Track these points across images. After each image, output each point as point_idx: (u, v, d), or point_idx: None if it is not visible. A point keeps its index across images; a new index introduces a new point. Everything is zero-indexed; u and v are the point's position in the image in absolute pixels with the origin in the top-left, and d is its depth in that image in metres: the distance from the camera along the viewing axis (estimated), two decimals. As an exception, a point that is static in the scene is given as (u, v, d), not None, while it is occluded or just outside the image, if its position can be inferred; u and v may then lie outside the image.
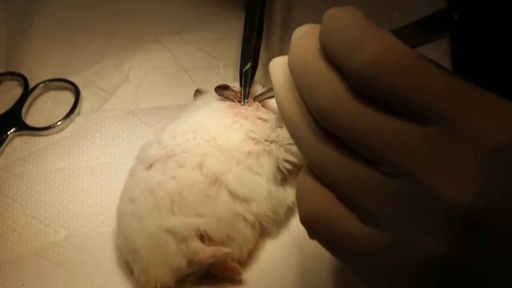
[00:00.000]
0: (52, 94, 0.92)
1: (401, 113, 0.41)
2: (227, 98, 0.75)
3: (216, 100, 0.75)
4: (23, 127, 0.86)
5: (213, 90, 0.75)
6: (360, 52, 0.41)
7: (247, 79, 0.76)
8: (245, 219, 0.68)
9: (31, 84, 0.92)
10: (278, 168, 0.72)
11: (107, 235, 0.75)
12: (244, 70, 0.76)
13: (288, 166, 0.72)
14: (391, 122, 0.41)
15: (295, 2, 0.97)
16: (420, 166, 0.40)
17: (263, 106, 0.74)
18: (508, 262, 0.40)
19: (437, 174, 0.39)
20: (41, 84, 0.91)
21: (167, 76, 0.93)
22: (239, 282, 0.69)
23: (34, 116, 0.89)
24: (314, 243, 0.48)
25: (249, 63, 0.77)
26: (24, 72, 0.93)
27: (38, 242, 0.75)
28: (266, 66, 0.82)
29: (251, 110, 0.73)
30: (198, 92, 0.81)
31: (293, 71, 0.48)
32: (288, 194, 0.72)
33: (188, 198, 0.67)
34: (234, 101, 0.75)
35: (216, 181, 0.68)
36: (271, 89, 0.65)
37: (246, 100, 0.74)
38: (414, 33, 0.41)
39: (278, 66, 0.52)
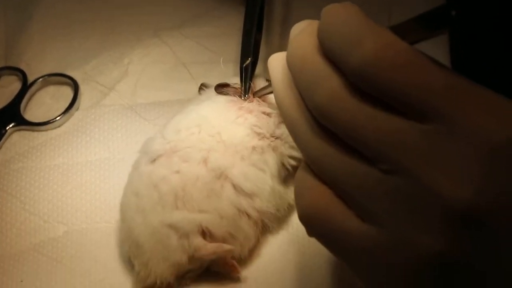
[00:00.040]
0: (51, 89, 0.92)
1: (400, 110, 0.40)
2: (227, 95, 0.74)
3: (218, 95, 0.75)
4: (22, 122, 0.86)
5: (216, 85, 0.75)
6: (358, 49, 0.41)
7: (247, 74, 0.75)
8: (248, 216, 0.68)
9: (30, 78, 0.91)
10: (283, 165, 0.72)
11: (106, 231, 0.75)
12: (244, 65, 0.76)
13: (292, 162, 0.72)
14: (389, 119, 0.41)
15: (295, -3, 0.97)
16: (418, 163, 0.40)
17: (263, 101, 0.74)
18: (508, 260, 0.39)
19: (435, 172, 0.39)
20: (40, 79, 0.91)
21: (166, 71, 0.93)
22: (237, 279, 0.69)
23: (33, 111, 0.89)
24: (313, 239, 0.48)
25: (249, 58, 0.77)
26: (22, 66, 0.93)
27: (37, 238, 0.75)
28: (266, 61, 0.82)
29: (255, 104, 0.73)
30: (203, 86, 0.81)
31: (291, 67, 0.48)
32: (290, 192, 0.72)
33: (192, 193, 0.66)
34: (235, 97, 0.74)
35: (220, 175, 0.68)
36: (270, 85, 0.65)
37: (246, 95, 0.74)
38: (412, 30, 0.41)
39: (277, 62, 0.52)
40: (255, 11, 0.80)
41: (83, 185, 0.80)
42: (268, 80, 0.77)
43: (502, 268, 0.40)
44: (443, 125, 0.39)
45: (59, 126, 0.86)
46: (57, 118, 0.86)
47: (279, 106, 0.50)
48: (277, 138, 0.71)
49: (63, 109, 0.87)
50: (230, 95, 0.74)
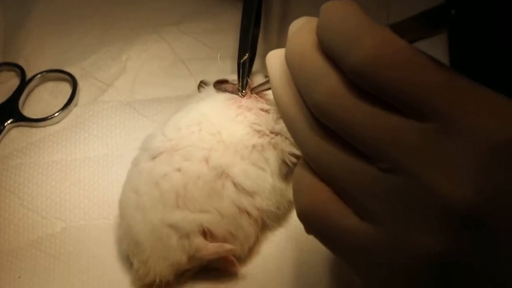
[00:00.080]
0: (50, 85, 0.92)
1: (399, 109, 0.40)
2: (226, 91, 0.74)
3: (218, 91, 0.75)
4: (20, 118, 0.86)
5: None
6: (357, 47, 0.40)
7: (244, 70, 0.75)
8: (248, 214, 0.68)
9: (28, 74, 0.91)
10: (284, 161, 0.71)
11: (104, 227, 0.75)
12: (241, 60, 0.76)
13: (293, 159, 0.71)
14: (388, 117, 0.41)
15: (293, -7, 0.97)
16: (417, 162, 0.40)
17: (261, 97, 0.74)
18: (508, 260, 0.40)
19: (434, 171, 0.39)
20: (39, 75, 0.91)
21: (165, 67, 0.93)
22: (235, 274, 0.69)
23: (31, 107, 0.89)
24: (311, 236, 0.48)
25: (247, 54, 0.76)
26: (21, 62, 0.93)
27: (35, 234, 0.75)
28: (264, 57, 0.82)
29: (254, 101, 0.73)
30: (202, 84, 0.81)
31: (290, 64, 0.47)
32: (290, 188, 0.72)
33: (193, 192, 0.66)
34: (234, 93, 0.74)
35: (222, 174, 0.67)
36: (268, 81, 0.65)
37: (243, 91, 0.74)
38: (411, 28, 0.41)
39: (275, 59, 0.52)
40: (252, 7, 0.80)
41: (82, 181, 0.79)
42: (267, 76, 0.77)
43: (502, 268, 0.40)
44: (442, 124, 0.39)
45: (57, 122, 0.86)
46: (56, 114, 0.86)
47: (277, 103, 0.50)
48: (277, 134, 0.71)
49: (61, 105, 0.87)
50: (229, 91, 0.74)
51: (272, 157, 0.70)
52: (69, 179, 0.80)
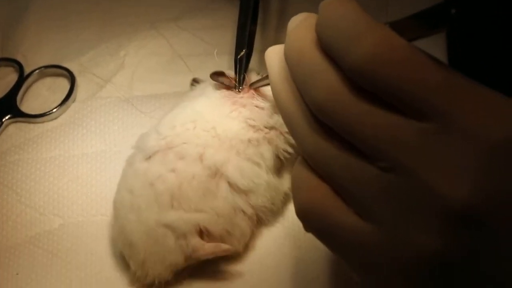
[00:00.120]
0: (48, 81, 0.92)
1: (398, 108, 0.40)
2: (222, 84, 0.74)
3: (212, 89, 0.75)
4: (18, 114, 0.86)
5: (209, 79, 0.75)
6: (357, 46, 0.40)
7: (241, 66, 0.75)
8: (244, 212, 0.68)
9: (26, 70, 0.91)
10: (278, 156, 0.71)
11: (102, 224, 0.75)
12: (238, 57, 0.76)
13: (287, 154, 0.72)
14: (387, 116, 0.41)
15: (291, -11, 0.97)
16: (416, 161, 0.40)
17: (258, 93, 0.73)
18: (508, 259, 0.39)
19: (433, 170, 0.39)
20: (37, 71, 0.91)
21: (163, 63, 0.93)
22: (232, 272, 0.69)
23: (29, 102, 0.89)
24: (309, 233, 0.48)
25: (244, 50, 0.76)
26: (19, 58, 0.93)
27: (33, 231, 0.75)
28: (262, 53, 0.82)
29: (248, 98, 0.73)
30: (194, 82, 0.81)
31: (289, 61, 0.47)
32: (285, 181, 0.73)
33: (187, 192, 0.66)
34: (230, 88, 0.74)
35: (216, 173, 0.67)
36: (267, 77, 0.65)
37: (240, 87, 0.74)
38: (411, 27, 0.41)
39: (274, 55, 0.51)
40: (249, 4, 0.80)
41: (79, 177, 0.79)
42: (259, 73, 0.77)
43: (502, 268, 0.40)
44: (441, 123, 0.39)
45: (55, 118, 0.86)
46: (54, 110, 0.86)
47: (276, 99, 0.50)
48: (271, 128, 0.71)
49: (59, 101, 0.87)
50: (225, 84, 0.74)
51: (267, 152, 0.70)
52: (67, 175, 0.80)
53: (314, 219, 0.47)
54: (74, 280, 0.70)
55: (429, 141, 0.39)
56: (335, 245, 0.47)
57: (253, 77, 0.76)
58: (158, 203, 0.66)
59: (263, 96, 0.73)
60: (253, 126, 0.70)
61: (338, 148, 0.44)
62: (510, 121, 0.38)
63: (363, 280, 0.47)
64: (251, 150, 0.69)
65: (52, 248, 0.73)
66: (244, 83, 0.74)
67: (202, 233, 0.66)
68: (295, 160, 0.69)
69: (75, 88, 0.89)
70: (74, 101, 0.88)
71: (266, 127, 0.71)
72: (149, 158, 0.69)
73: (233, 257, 0.69)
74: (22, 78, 0.90)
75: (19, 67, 0.91)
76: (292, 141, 0.70)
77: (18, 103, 0.88)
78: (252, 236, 0.72)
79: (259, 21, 0.81)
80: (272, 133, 0.71)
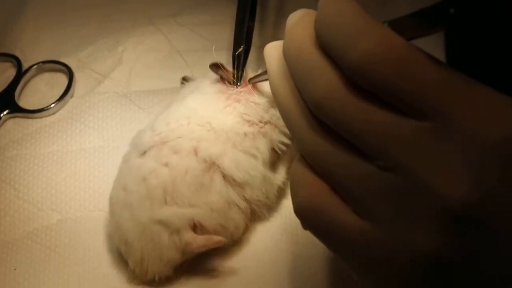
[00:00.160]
0: (46, 76, 0.92)
1: (396, 107, 0.40)
2: (221, 76, 0.74)
3: (206, 84, 0.75)
4: (17, 109, 0.86)
5: (202, 76, 0.76)
6: (355, 45, 0.40)
7: (239, 62, 0.75)
8: (238, 206, 0.68)
9: (25, 65, 0.91)
10: (273, 150, 0.72)
11: (99, 219, 0.75)
12: (236, 53, 0.76)
13: (283, 147, 0.72)
14: (386, 115, 0.41)
15: (289, -15, 0.97)
16: (415, 161, 0.39)
17: (255, 89, 0.73)
18: (507, 259, 0.40)
19: (432, 170, 0.39)
20: (35, 66, 0.91)
21: (161, 59, 0.93)
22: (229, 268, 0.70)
23: (27, 98, 0.89)
24: (306, 229, 0.48)
25: (242, 46, 0.76)
26: (17, 53, 0.93)
27: (31, 226, 0.75)
28: (260, 49, 0.82)
29: (243, 93, 0.73)
30: (184, 80, 0.81)
31: (288, 58, 0.47)
32: (279, 175, 0.73)
33: (181, 188, 0.66)
34: (226, 83, 0.74)
35: (210, 166, 0.67)
36: (265, 72, 0.65)
37: (238, 83, 0.74)
38: (409, 26, 0.41)
39: (273, 51, 0.51)
40: (247, 0, 0.79)
41: (77, 173, 0.80)
42: (257, 70, 0.77)
43: (502, 268, 0.40)
44: (439, 122, 0.39)
45: (53, 114, 0.86)
46: (52, 106, 0.86)
47: (274, 95, 0.50)
48: (266, 123, 0.71)
49: (57, 96, 0.87)
50: (223, 77, 0.74)
51: (262, 145, 0.70)
52: (65, 170, 0.80)
53: (312, 217, 0.46)
54: (71, 275, 0.71)
55: (428, 140, 0.39)
56: (333, 243, 0.47)
57: (250, 73, 0.76)
58: (151, 199, 0.66)
59: (261, 92, 0.73)
60: (248, 121, 0.70)
61: (336, 145, 0.44)
62: (509, 121, 0.38)
63: (361, 279, 0.47)
64: (248, 143, 0.69)
65: (50, 243, 0.73)
66: (242, 79, 0.74)
67: (196, 228, 0.66)
68: (290, 154, 0.70)
69: (73, 83, 0.89)
70: (72, 96, 0.88)
71: (261, 122, 0.71)
72: (143, 154, 0.69)
73: (231, 252, 0.70)
74: (20, 74, 0.90)
75: (17, 62, 0.91)
76: (287, 132, 0.70)
77: (16, 98, 0.88)
78: (247, 230, 0.72)
79: (257, 17, 0.81)
80: (267, 127, 0.71)
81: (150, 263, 0.66)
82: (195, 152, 0.68)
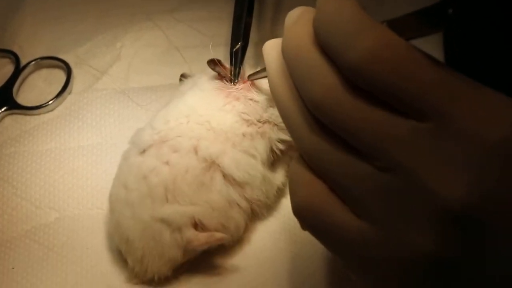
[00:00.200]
0: (44, 72, 0.91)
1: (395, 108, 0.40)
2: (218, 73, 0.74)
3: (205, 81, 0.75)
4: (15, 106, 0.86)
5: (201, 72, 0.76)
6: (354, 45, 0.40)
7: (237, 59, 0.75)
8: (238, 205, 0.68)
9: (23, 61, 0.91)
10: (272, 149, 0.71)
11: (98, 217, 0.75)
12: (234, 49, 0.75)
13: (281, 146, 0.72)
14: (384, 116, 0.40)
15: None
16: (413, 161, 0.39)
17: (254, 86, 0.73)
18: (507, 259, 0.39)
19: (430, 170, 0.39)
20: (33, 62, 0.91)
21: (159, 54, 0.93)
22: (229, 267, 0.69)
23: (25, 94, 0.89)
24: (305, 228, 0.48)
25: (239, 43, 0.76)
26: (15, 49, 0.93)
27: (29, 224, 0.75)
28: (257, 45, 0.82)
29: (242, 91, 0.72)
30: (182, 77, 0.81)
31: (286, 57, 0.47)
32: (278, 175, 0.73)
33: (182, 186, 0.66)
34: (224, 79, 0.74)
35: (211, 165, 0.67)
36: (265, 69, 0.64)
37: (236, 80, 0.73)
38: (408, 26, 0.41)
39: (272, 49, 0.51)
40: (245, -4, 0.79)
41: (75, 170, 0.79)
42: (256, 67, 0.77)
43: (501, 268, 0.40)
44: (438, 123, 0.39)
45: (51, 110, 0.86)
46: (50, 102, 0.86)
47: (273, 93, 0.50)
48: (265, 122, 0.71)
49: (55, 93, 0.87)
50: (221, 74, 0.74)
51: (260, 145, 0.70)
52: (63, 168, 0.80)
53: (310, 216, 0.46)
54: (69, 274, 0.71)
55: (427, 140, 0.39)
56: (331, 243, 0.47)
57: (248, 69, 0.76)
58: (152, 197, 0.66)
59: (259, 89, 0.73)
60: (247, 120, 0.70)
61: (334, 145, 0.44)
62: (508, 121, 0.38)
63: (360, 279, 0.47)
64: (246, 143, 0.69)
65: (48, 242, 0.73)
66: (240, 76, 0.74)
67: (197, 226, 0.66)
68: (290, 154, 0.69)
69: (71, 80, 0.89)
70: (70, 93, 0.88)
71: (259, 121, 0.71)
72: (143, 152, 0.69)
73: (230, 251, 0.70)
74: (18, 70, 0.90)
75: (15, 58, 0.91)
76: (286, 130, 0.70)
77: (14, 94, 0.87)
78: (247, 230, 0.72)
79: (255, 12, 0.81)
80: (266, 126, 0.71)
81: (151, 261, 0.66)
82: (195, 151, 0.68)
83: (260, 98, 0.72)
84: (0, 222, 0.75)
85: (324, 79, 0.43)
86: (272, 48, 0.51)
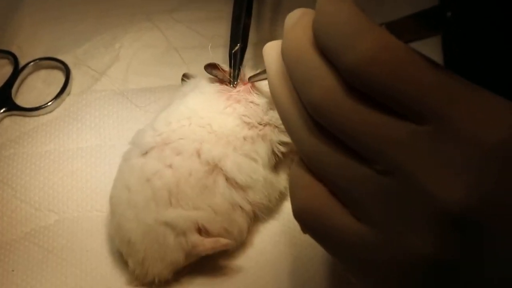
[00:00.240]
0: (43, 73, 0.91)
1: (394, 111, 0.40)
2: (216, 77, 0.74)
3: (206, 84, 0.75)
4: (13, 107, 0.86)
5: (202, 74, 0.75)
6: (353, 48, 0.40)
7: (236, 60, 0.75)
8: (241, 209, 0.68)
9: (22, 62, 0.91)
10: (273, 152, 0.71)
11: (97, 219, 0.75)
12: (233, 51, 0.75)
13: (282, 149, 0.72)
14: (383, 119, 0.40)
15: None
16: (412, 163, 0.39)
17: (254, 88, 0.73)
18: (506, 262, 0.39)
19: (429, 172, 0.39)
20: (32, 63, 0.91)
21: (157, 55, 0.92)
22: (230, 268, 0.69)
23: (24, 95, 0.89)
24: (305, 231, 0.48)
25: (238, 44, 0.76)
26: (14, 50, 0.93)
27: (28, 227, 0.75)
28: (256, 46, 0.82)
29: (243, 93, 0.72)
30: (184, 77, 0.80)
31: (286, 60, 0.47)
32: (281, 179, 0.73)
33: (185, 190, 0.66)
34: (224, 82, 0.74)
35: (214, 169, 0.67)
36: (265, 71, 0.64)
37: (235, 82, 0.73)
38: (406, 28, 0.41)
39: (272, 51, 0.51)
40: (244, -3, 0.79)
41: (74, 172, 0.79)
42: (256, 69, 0.77)
43: (500, 270, 0.40)
44: (437, 125, 0.39)
45: (50, 112, 0.86)
46: (49, 104, 0.86)
47: (273, 96, 0.50)
48: (265, 124, 0.71)
49: (54, 94, 0.87)
50: (219, 77, 0.74)
51: (261, 148, 0.70)
52: (62, 170, 0.80)
53: (310, 219, 0.46)
54: (69, 276, 0.70)
55: (425, 143, 0.39)
56: (331, 245, 0.47)
57: (248, 71, 0.75)
58: (156, 200, 0.66)
59: (259, 91, 0.72)
60: (248, 123, 0.70)
61: (334, 147, 0.44)
62: (507, 123, 0.38)
63: (360, 282, 0.47)
64: (248, 147, 0.69)
65: (47, 244, 0.73)
66: (239, 77, 0.73)
67: (201, 231, 0.66)
68: (291, 156, 0.69)
69: (70, 81, 0.88)
70: (69, 94, 0.88)
71: (260, 124, 0.71)
72: (145, 153, 0.69)
73: (230, 254, 0.70)
74: (17, 71, 0.90)
75: (14, 59, 0.91)
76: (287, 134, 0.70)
77: (13, 95, 0.87)
78: (248, 232, 0.71)
79: (253, 13, 0.81)
80: (267, 128, 0.71)
81: (152, 264, 0.66)
82: (198, 154, 0.68)
83: (261, 100, 0.71)
84: (0, 224, 0.75)
85: (323, 81, 0.43)
86: (272, 50, 0.51)
